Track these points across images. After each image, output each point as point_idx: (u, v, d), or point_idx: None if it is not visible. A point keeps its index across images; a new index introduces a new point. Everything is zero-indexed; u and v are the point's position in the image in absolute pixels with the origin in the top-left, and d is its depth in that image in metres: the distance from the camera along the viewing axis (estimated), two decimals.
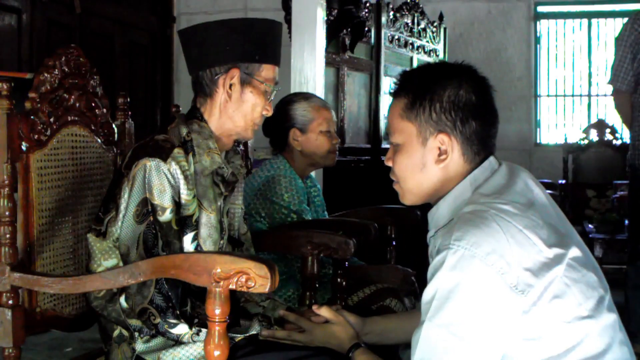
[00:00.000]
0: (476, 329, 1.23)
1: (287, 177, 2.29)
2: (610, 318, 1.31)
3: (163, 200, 1.53)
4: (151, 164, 1.53)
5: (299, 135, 2.35)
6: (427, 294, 1.28)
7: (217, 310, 1.32)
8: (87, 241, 1.63)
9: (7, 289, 1.56)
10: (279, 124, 2.37)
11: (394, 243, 2.51)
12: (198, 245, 1.61)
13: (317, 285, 2.04)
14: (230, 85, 1.63)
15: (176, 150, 1.57)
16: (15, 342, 1.57)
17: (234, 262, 1.31)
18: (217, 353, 1.33)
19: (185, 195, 1.57)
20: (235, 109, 1.64)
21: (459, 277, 1.23)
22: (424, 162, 1.37)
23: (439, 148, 1.36)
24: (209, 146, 1.63)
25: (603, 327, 1.29)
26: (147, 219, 1.53)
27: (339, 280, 2.11)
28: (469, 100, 1.35)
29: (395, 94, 1.42)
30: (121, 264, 1.58)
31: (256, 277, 1.29)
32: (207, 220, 1.62)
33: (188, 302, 1.55)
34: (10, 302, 1.57)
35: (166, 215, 1.53)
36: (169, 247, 1.54)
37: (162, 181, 1.53)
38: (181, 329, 1.52)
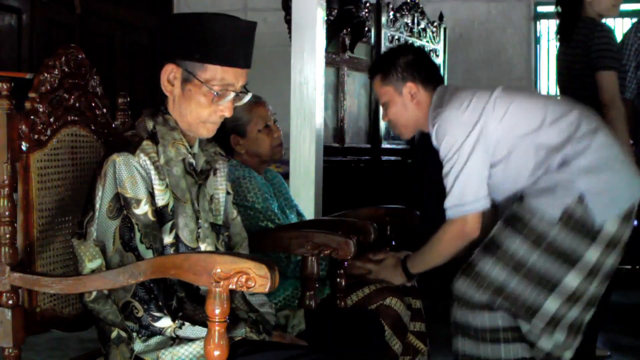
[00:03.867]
0: None
1: (247, 178, 2.29)
2: None
3: (137, 192, 1.53)
4: (120, 158, 1.53)
5: (239, 140, 2.35)
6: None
7: (217, 310, 1.32)
8: (73, 246, 1.62)
9: (7, 289, 1.56)
10: (218, 131, 2.37)
11: (393, 243, 2.51)
12: (177, 235, 1.60)
13: (317, 285, 2.04)
14: (175, 82, 1.62)
15: (145, 143, 1.58)
16: (15, 342, 1.57)
17: (234, 262, 1.31)
18: (217, 353, 1.33)
19: (157, 185, 1.57)
20: (183, 106, 1.63)
21: None
22: (405, 104, 2.29)
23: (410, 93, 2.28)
24: (174, 137, 1.64)
25: None
26: (120, 214, 1.53)
27: (338, 280, 2.11)
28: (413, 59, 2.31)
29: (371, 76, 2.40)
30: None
31: (256, 277, 1.30)
32: (182, 209, 1.62)
33: (174, 297, 1.54)
34: (10, 302, 1.57)
35: (142, 207, 1.53)
36: (147, 238, 1.53)
37: (133, 174, 1.53)
38: (164, 322, 1.50)
